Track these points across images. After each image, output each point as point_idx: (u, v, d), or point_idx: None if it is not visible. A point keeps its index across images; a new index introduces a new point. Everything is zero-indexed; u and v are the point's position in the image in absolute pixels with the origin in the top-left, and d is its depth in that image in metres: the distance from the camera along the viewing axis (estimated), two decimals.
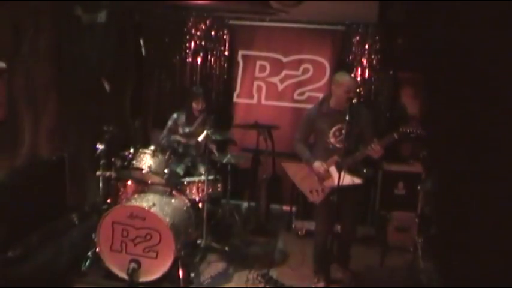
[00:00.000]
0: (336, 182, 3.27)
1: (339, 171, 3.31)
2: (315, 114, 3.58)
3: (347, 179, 3.29)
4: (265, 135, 4.84)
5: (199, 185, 4.17)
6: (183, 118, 4.67)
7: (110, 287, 3.44)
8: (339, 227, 3.72)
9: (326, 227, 3.59)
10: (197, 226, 3.96)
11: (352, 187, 3.38)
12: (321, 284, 3.64)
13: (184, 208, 3.89)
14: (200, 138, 4.06)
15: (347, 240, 3.75)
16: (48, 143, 4.19)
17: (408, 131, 3.24)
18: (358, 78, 5.36)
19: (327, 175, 3.46)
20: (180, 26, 5.62)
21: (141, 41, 5.19)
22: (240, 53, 5.69)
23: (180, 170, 4.42)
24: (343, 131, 3.35)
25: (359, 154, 3.41)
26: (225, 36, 5.66)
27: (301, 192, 3.71)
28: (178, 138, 4.65)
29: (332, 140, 3.47)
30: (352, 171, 3.38)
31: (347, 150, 3.35)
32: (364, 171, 3.65)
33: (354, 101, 3.33)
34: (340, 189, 3.24)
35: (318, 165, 3.45)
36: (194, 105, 4.60)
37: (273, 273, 3.87)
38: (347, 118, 3.26)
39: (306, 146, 3.62)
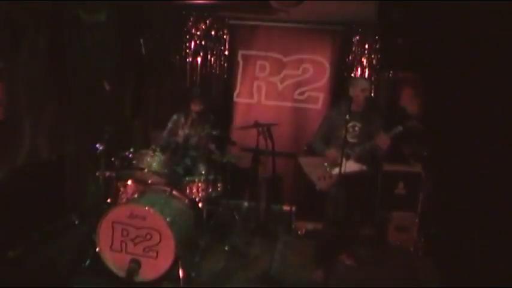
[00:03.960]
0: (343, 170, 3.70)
1: (347, 159, 3.66)
2: (334, 114, 3.92)
3: (355, 166, 3.68)
4: (265, 134, 4.83)
5: (199, 184, 4.17)
6: (182, 119, 4.67)
7: (109, 287, 3.44)
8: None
9: (333, 218, 3.79)
10: (197, 226, 3.95)
11: (357, 180, 3.69)
12: (320, 273, 3.73)
13: (184, 208, 3.89)
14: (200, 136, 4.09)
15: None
16: (48, 143, 4.19)
17: (413, 125, 3.58)
18: None
19: (337, 163, 3.67)
20: (180, 25, 5.61)
21: (141, 41, 5.19)
22: (240, 52, 5.68)
23: (180, 170, 4.42)
24: (357, 128, 3.76)
25: (368, 144, 3.71)
26: (225, 36, 5.65)
27: (308, 182, 3.92)
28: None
29: (347, 135, 3.76)
30: (359, 161, 3.74)
31: (359, 143, 3.73)
32: None
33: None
34: (347, 178, 3.56)
35: (332, 150, 3.78)
36: (192, 106, 4.60)
37: (273, 273, 3.87)
38: (365, 115, 3.68)
39: (324, 143, 3.93)
